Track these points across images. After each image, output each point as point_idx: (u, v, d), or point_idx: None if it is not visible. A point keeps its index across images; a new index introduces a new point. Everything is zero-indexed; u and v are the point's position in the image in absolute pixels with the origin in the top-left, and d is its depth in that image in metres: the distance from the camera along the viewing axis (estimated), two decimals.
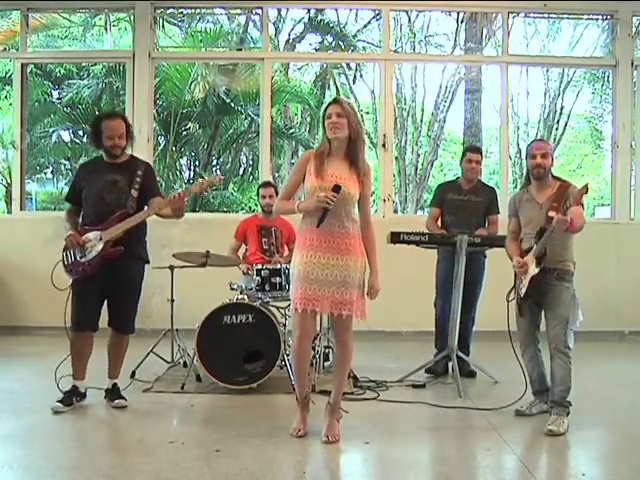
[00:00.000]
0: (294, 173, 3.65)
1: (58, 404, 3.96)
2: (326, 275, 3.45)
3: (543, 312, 3.97)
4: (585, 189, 3.80)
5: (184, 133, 12.34)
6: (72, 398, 4.01)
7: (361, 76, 14.80)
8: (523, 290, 3.95)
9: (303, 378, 3.67)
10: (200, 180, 4.27)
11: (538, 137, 14.59)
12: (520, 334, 4.07)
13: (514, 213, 4.15)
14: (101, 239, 4.01)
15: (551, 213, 3.81)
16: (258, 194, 5.71)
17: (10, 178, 10.02)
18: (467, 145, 5.69)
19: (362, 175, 3.54)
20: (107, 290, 4.10)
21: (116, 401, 4.14)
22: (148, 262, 4.27)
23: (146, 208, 4.11)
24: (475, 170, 5.25)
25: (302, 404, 3.66)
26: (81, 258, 4.03)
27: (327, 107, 3.56)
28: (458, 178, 5.47)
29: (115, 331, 4.20)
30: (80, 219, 4.20)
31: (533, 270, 3.87)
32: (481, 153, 5.40)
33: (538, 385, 4.05)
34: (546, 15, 8.25)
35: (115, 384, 4.23)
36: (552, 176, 4.05)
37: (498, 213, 5.33)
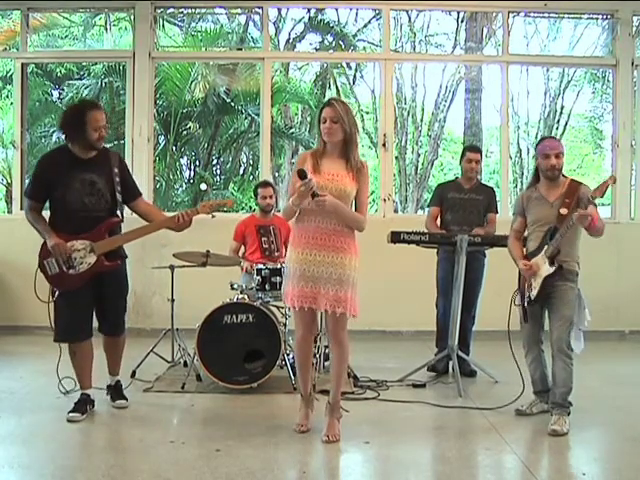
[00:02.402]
0: (294, 175, 3.67)
1: (74, 414, 3.80)
2: (322, 272, 3.49)
3: (547, 312, 3.94)
4: (613, 179, 3.72)
5: (184, 133, 12.35)
6: (86, 406, 3.90)
7: (361, 76, 14.82)
8: (534, 292, 3.87)
9: (306, 374, 3.73)
10: (210, 201, 4.12)
11: (539, 136, 14.63)
12: (524, 335, 4.03)
13: (521, 212, 4.07)
14: (92, 250, 3.80)
15: (562, 210, 3.78)
16: (256, 194, 5.68)
17: (10, 178, 10.04)
18: (467, 144, 5.67)
19: (356, 172, 3.57)
20: (98, 296, 3.93)
21: (118, 401, 4.13)
22: (127, 257, 4.08)
23: (148, 223, 3.99)
24: (475, 169, 5.25)
25: (306, 400, 3.72)
26: (69, 269, 3.78)
27: (322, 109, 3.59)
28: (457, 178, 5.46)
29: (111, 335, 4.10)
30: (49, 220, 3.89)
31: (547, 270, 3.80)
32: (481, 153, 5.40)
33: (540, 385, 4.04)
34: (546, 15, 8.23)
35: (118, 381, 4.21)
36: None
37: (497, 212, 5.34)
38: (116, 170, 3.92)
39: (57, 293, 3.87)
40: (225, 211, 6.30)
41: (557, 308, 3.83)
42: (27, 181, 8.35)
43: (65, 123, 3.90)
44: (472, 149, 5.42)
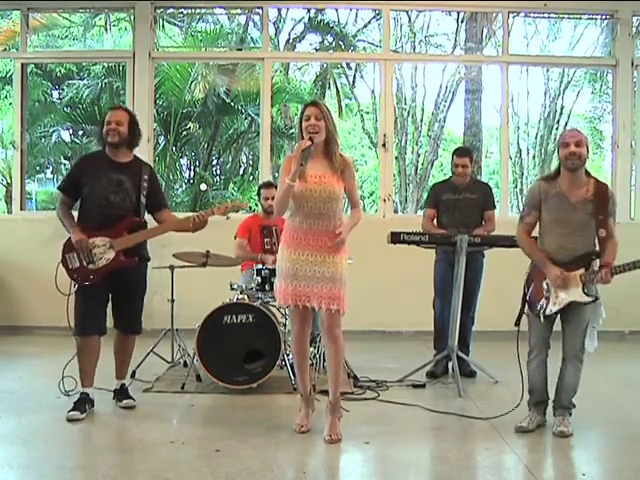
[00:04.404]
0: (282, 178, 3.68)
1: (74, 412, 3.82)
2: (314, 272, 3.54)
3: (560, 314, 3.70)
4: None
5: (184, 133, 12.35)
6: (85, 405, 3.91)
7: (361, 76, 14.83)
8: (554, 308, 3.61)
9: (305, 373, 3.75)
10: (226, 203, 4.26)
11: (539, 137, 14.67)
12: (533, 337, 3.76)
13: (536, 204, 3.71)
14: (111, 247, 3.92)
15: (601, 232, 3.59)
16: (259, 194, 5.67)
17: (10, 178, 10.04)
18: (455, 148, 5.65)
19: (341, 171, 3.60)
20: (114, 292, 4.05)
21: (124, 401, 4.14)
22: (149, 260, 4.23)
23: (162, 223, 4.14)
24: (463, 174, 5.20)
25: (306, 400, 3.73)
26: (88, 264, 3.91)
27: (305, 109, 3.62)
28: (451, 177, 5.40)
29: (124, 333, 4.17)
30: (76, 217, 4.09)
31: (580, 297, 3.56)
32: (469, 155, 5.29)
33: (539, 396, 3.81)
34: (546, 15, 8.24)
35: (123, 384, 4.23)
36: (585, 172, 3.66)
37: (494, 208, 5.33)
38: (145, 177, 4.10)
39: (76, 287, 3.97)
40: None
41: (576, 313, 3.64)
42: (27, 181, 8.36)
43: (99, 128, 4.18)
44: (458, 153, 5.31)
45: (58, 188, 4.22)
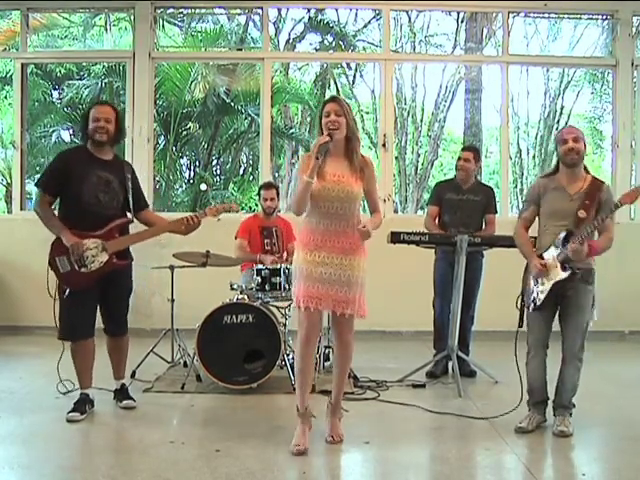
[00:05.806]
0: (300, 177, 3.62)
1: (74, 414, 3.82)
2: (330, 274, 3.43)
3: (559, 314, 3.74)
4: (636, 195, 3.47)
5: (184, 133, 12.36)
6: (85, 406, 3.91)
7: (361, 76, 14.84)
8: (542, 296, 3.67)
9: (305, 384, 3.51)
10: (217, 205, 4.22)
11: (539, 137, 14.68)
12: (531, 337, 3.79)
13: (535, 199, 3.78)
14: (104, 249, 3.84)
15: (581, 213, 3.58)
16: (259, 195, 5.67)
17: (10, 178, 10.04)
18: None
19: (360, 171, 3.51)
20: (104, 295, 3.98)
21: (124, 402, 4.14)
22: (133, 259, 4.15)
23: (155, 225, 4.11)
24: (464, 168, 5.20)
25: (303, 415, 3.49)
26: (80, 268, 3.80)
27: (324, 105, 3.53)
28: (456, 177, 5.41)
29: (115, 335, 4.14)
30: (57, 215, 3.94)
31: (559, 275, 3.59)
32: (474, 151, 5.33)
33: (539, 396, 3.82)
34: (546, 15, 8.24)
35: (123, 384, 4.22)
36: (585, 169, 3.74)
37: (496, 213, 5.33)
38: (129, 176, 4.04)
39: (67, 291, 3.86)
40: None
41: (573, 313, 3.66)
42: (27, 181, 8.34)
43: (80, 129, 4.14)
44: (464, 148, 5.50)
45: (37, 185, 3.98)
